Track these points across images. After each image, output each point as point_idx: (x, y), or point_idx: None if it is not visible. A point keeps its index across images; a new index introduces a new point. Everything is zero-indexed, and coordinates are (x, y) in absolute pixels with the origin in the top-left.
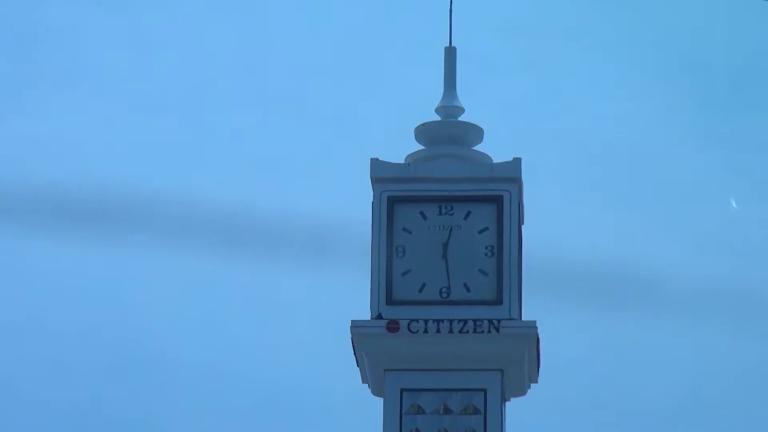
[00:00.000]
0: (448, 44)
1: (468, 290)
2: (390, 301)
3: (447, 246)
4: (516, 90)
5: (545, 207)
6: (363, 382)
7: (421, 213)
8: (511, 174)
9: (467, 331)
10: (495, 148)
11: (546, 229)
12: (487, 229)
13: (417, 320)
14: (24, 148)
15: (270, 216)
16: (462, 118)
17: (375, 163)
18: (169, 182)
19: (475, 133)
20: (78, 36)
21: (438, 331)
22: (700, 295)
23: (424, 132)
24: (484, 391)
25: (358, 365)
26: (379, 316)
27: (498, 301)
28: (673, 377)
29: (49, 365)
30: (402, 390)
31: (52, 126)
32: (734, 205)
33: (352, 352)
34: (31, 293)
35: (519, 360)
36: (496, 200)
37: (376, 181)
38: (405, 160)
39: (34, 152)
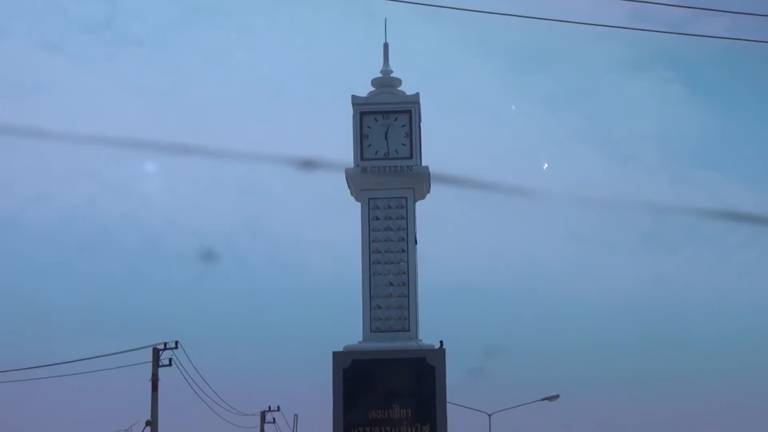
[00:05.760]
0: (384, 41)
1: (397, 153)
2: (362, 158)
3: (387, 134)
4: (417, 64)
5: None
6: (351, 195)
7: (375, 119)
8: (414, 99)
9: (397, 172)
10: (407, 88)
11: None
12: (405, 125)
13: (376, 167)
14: None
15: None
16: (392, 75)
17: (354, 97)
18: None
19: (397, 82)
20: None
21: (385, 172)
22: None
23: (374, 82)
24: (406, 198)
25: (348, 188)
26: (358, 165)
27: (410, 157)
28: None
29: None
30: (369, 198)
31: None
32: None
33: (347, 183)
34: None
35: (421, 182)
36: (409, 112)
37: (354, 104)
38: (367, 94)
39: None
